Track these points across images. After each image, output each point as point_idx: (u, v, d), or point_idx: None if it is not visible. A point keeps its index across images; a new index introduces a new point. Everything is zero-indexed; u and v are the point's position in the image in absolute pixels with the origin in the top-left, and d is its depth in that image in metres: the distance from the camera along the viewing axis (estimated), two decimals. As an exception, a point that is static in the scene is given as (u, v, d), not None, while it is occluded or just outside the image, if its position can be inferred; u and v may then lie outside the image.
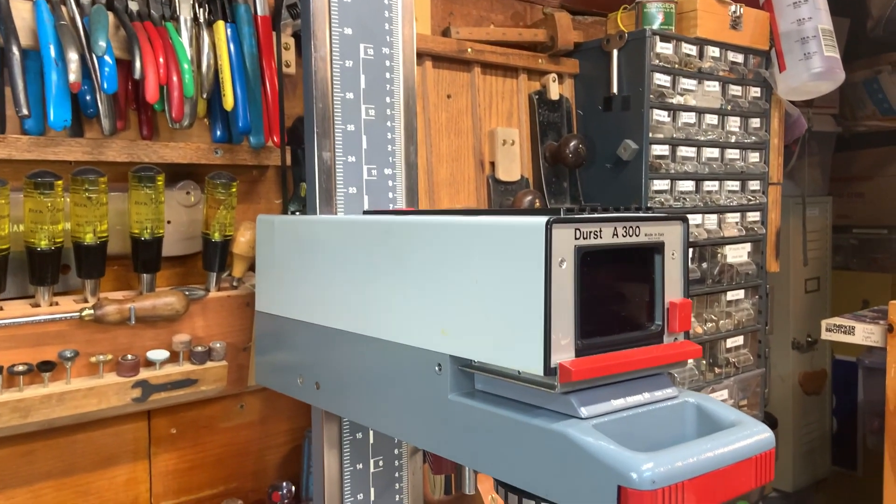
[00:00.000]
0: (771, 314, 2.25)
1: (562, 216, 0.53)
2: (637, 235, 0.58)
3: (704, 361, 1.37)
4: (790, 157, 2.46)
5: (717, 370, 1.39)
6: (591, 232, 0.55)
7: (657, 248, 0.59)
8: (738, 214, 1.39)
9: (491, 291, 0.57)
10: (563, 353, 0.54)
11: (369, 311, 0.69)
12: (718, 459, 0.51)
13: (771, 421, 2.71)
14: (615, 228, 0.56)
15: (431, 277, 0.62)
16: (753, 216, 1.42)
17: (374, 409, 0.68)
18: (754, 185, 1.42)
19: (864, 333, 1.62)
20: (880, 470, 2.30)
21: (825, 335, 1.72)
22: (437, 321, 0.61)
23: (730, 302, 1.41)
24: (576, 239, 0.54)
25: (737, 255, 1.40)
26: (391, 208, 0.81)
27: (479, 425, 0.58)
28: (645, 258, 0.59)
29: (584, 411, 0.54)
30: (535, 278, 0.53)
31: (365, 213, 0.80)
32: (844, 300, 2.60)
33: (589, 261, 0.55)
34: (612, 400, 0.56)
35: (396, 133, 0.83)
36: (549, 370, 0.53)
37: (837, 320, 1.68)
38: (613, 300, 0.58)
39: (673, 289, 0.60)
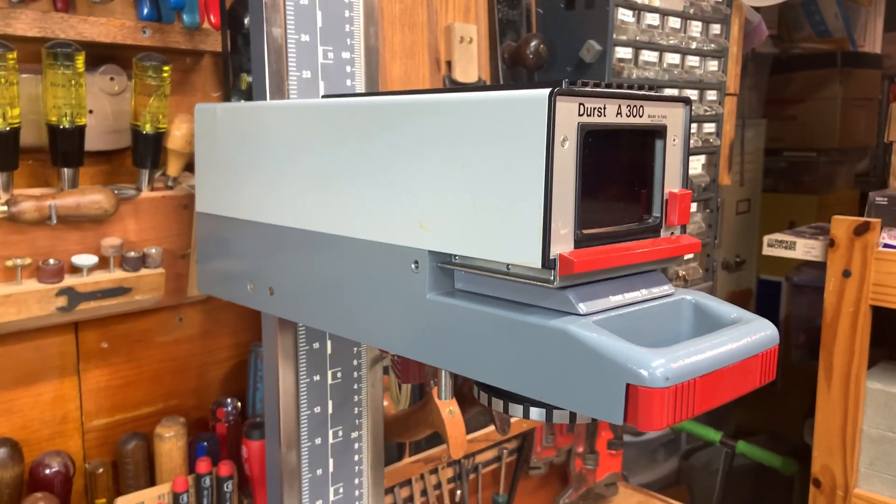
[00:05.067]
0: (720, 227, 2.27)
1: (565, 88, 0.47)
2: (640, 116, 0.52)
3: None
4: (732, 77, 2.45)
5: (667, 283, 1.38)
6: (594, 108, 0.49)
7: (659, 131, 0.54)
8: (694, 125, 1.36)
9: (480, 177, 0.50)
10: (562, 245, 0.48)
11: (333, 206, 0.61)
12: (728, 356, 0.47)
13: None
14: (619, 106, 0.50)
15: (409, 165, 0.55)
16: (709, 127, 1.39)
17: (340, 314, 0.62)
18: (712, 94, 1.38)
19: (805, 248, 1.64)
20: (799, 383, 2.40)
21: (766, 250, 1.73)
22: (414, 214, 0.55)
23: (682, 215, 1.39)
24: (579, 115, 0.48)
25: (691, 167, 1.37)
26: (353, 92, 0.73)
27: (464, 326, 0.52)
28: (646, 143, 0.54)
29: (582, 307, 0.49)
30: (534, 159, 0.47)
31: (324, 97, 0.71)
32: (773, 221, 2.65)
33: (591, 142, 0.49)
34: (611, 296, 0.51)
35: (355, 11, 0.74)
36: (547, 262, 0.47)
37: (779, 236, 1.69)
38: (613, 188, 0.52)
39: (673, 178, 0.55)
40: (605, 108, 0.49)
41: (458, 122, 0.51)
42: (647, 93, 0.52)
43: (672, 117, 0.55)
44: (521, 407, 0.54)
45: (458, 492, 1.25)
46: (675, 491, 2.62)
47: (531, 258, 0.48)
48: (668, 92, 1.28)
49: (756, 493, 2.40)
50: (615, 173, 0.52)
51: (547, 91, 0.46)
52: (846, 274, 1.48)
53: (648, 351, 0.44)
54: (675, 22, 1.27)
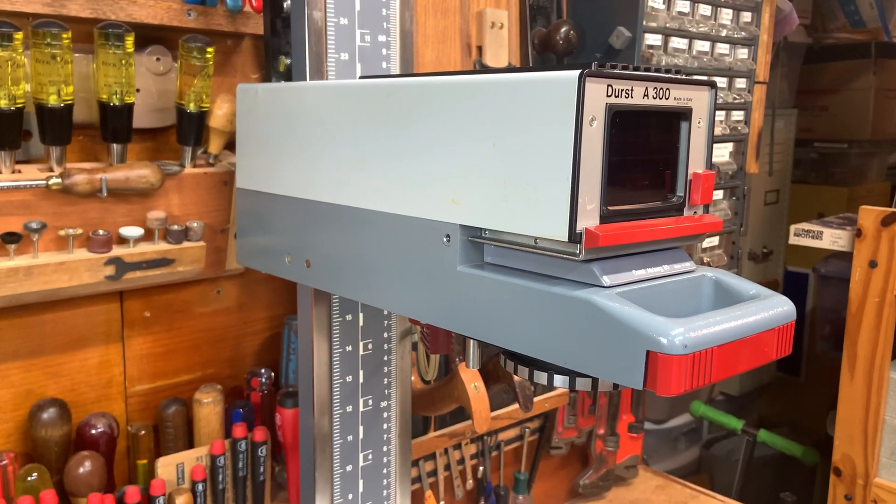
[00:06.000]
0: (747, 215, 2.27)
1: (594, 70, 0.49)
2: (666, 98, 0.54)
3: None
4: (763, 66, 2.43)
5: (691, 269, 1.39)
6: (622, 90, 0.51)
7: (685, 113, 0.56)
8: (722, 113, 1.37)
9: (511, 154, 0.53)
10: (588, 220, 0.51)
11: (369, 182, 0.64)
12: (746, 328, 0.49)
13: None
14: (646, 88, 0.53)
15: (443, 143, 0.57)
16: (738, 115, 1.40)
17: (374, 286, 0.65)
18: (741, 83, 1.39)
19: (832, 238, 1.64)
20: (823, 375, 2.39)
21: (793, 240, 1.74)
22: (447, 190, 0.58)
23: (708, 202, 1.40)
24: (607, 96, 0.50)
25: (719, 154, 1.38)
26: (390, 73, 0.76)
27: (493, 297, 0.55)
28: (671, 124, 0.56)
29: (606, 279, 0.51)
30: (563, 137, 0.49)
31: (361, 78, 0.74)
32: (801, 213, 2.64)
33: (618, 122, 0.51)
34: (634, 270, 0.54)
35: (391, -4, 0.76)
36: (574, 236, 0.50)
37: (806, 225, 1.69)
38: (638, 167, 0.55)
39: (697, 159, 0.57)
40: (632, 90, 0.52)
41: (491, 101, 0.54)
42: (674, 76, 0.54)
43: (697, 100, 0.57)
44: (546, 374, 0.56)
45: (481, 468, 1.28)
46: (695, 479, 2.64)
47: (558, 232, 0.50)
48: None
49: (777, 483, 2.40)
50: (641, 153, 0.55)
51: (577, 72, 0.48)
52: (872, 264, 1.48)
53: (668, 320, 0.46)
54: (705, 9, 1.28)
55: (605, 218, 0.51)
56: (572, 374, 0.56)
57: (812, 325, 2.67)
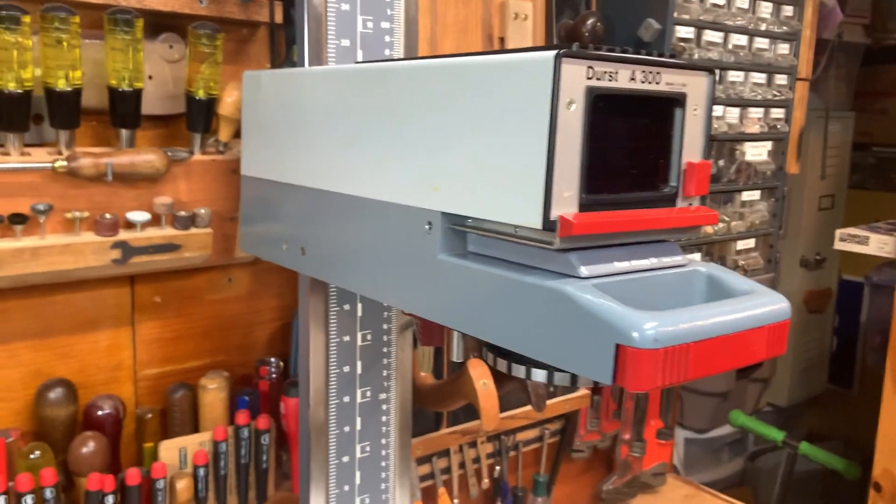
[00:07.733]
0: (786, 219, 2.19)
1: (572, 50, 0.47)
2: (657, 83, 0.52)
3: (712, 263, 1.33)
4: (816, 67, 2.34)
5: (724, 272, 1.35)
6: (605, 73, 0.49)
7: (678, 100, 0.53)
8: (761, 110, 1.31)
9: (489, 138, 0.51)
10: (566, 207, 0.48)
11: (356, 168, 0.63)
12: (728, 324, 0.46)
13: (771, 336, 2.70)
14: (633, 72, 0.50)
15: (424, 127, 0.56)
16: (778, 113, 1.34)
17: (360, 273, 0.64)
18: (781, 79, 1.33)
19: (878, 244, 1.56)
20: (875, 388, 2.29)
21: (838, 245, 1.66)
22: (429, 176, 0.56)
23: (744, 202, 1.35)
24: (588, 79, 0.48)
25: (756, 153, 1.33)
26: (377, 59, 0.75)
27: (470, 286, 0.54)
28: (663, 111, 0.53)
29: (583, 270, 0.49)
30: (538, 120, 0.47)
31: (356, 63, 0.73)
32: (857, 219, 2.52)
33: (601, 106, 0.49)
34: (616, 262, 0.51)
35: (397, -18, 0.75)
36: (548, 223, 0.48)
37: (852, 230, 1.62)
38: (625, 155, 0.52)
39: (692, 148, 0.55)
40: (617, 73, 0.49)
41: (467, 84, 0.52)
42: (664, 59, 0.51)
43: (693, 86, 0.54)
44: (524, 368, 0.55)
45: (497, 467, 1.26)
46: (737, 492, 2.55)
47: (533, 219, 0.48)
48: (734, 73, 1.25)
49: (824, 499, 2.30)
50: (629, 140, 0.52)
51: (553, 52, 0.46)
52: (921, 272, 1.41)
53: (641, 313, 0.44)
54: (742, 2, 1.23)
55: (585, 206, 0.49)
56: (551, 369, 0.53)
57: (865, 336, 2.55)
